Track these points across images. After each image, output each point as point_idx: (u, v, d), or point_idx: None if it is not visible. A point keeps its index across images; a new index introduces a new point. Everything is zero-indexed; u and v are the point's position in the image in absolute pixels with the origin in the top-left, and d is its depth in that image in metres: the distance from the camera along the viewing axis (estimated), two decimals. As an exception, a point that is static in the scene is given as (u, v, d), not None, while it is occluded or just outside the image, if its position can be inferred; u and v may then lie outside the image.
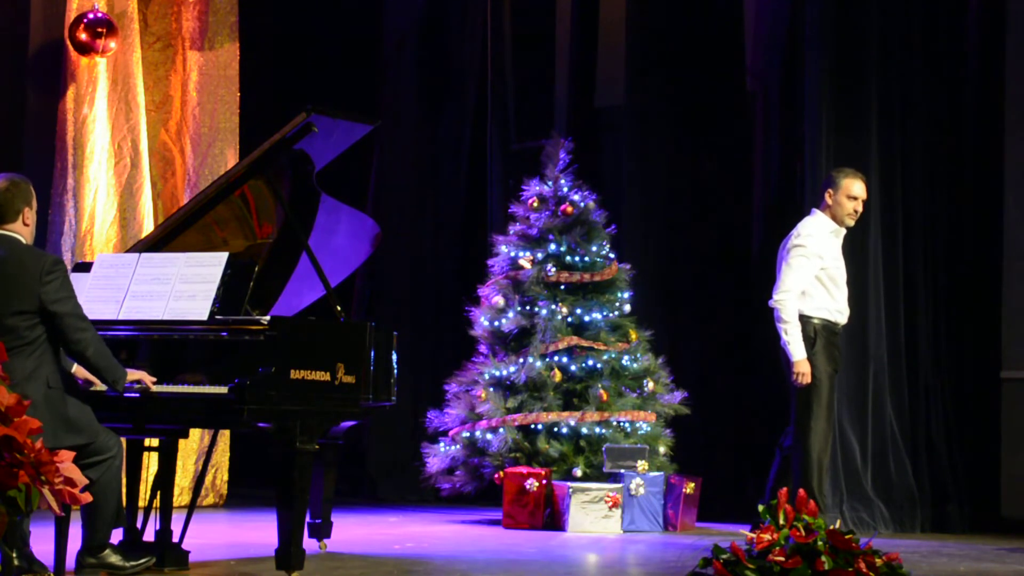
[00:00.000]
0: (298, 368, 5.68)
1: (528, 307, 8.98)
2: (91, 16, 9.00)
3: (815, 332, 7.37)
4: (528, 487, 8.49)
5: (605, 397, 8.74)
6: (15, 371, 5.23)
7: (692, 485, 8.72)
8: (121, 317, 5.90)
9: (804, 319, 7.36)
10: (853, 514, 8.78)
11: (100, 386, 5.63)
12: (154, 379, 5.67)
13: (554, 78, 10.79)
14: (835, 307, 7.48)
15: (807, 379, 7.30)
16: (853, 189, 7.51)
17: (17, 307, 5.33)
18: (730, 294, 10.08)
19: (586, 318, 8.97)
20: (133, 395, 5.64)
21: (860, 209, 7.58)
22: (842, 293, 7.52)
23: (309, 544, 6.13)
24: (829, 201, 7.51)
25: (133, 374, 5.60)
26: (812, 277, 7.39)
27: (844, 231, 7.56)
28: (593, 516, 8.38)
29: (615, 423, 8.77)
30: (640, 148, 10.23)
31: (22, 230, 5.52)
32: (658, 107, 10.24)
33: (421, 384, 10.29)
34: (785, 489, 5.28)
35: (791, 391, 7.43)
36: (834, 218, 7.51)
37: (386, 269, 10.89)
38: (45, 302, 5.36)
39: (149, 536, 6.13)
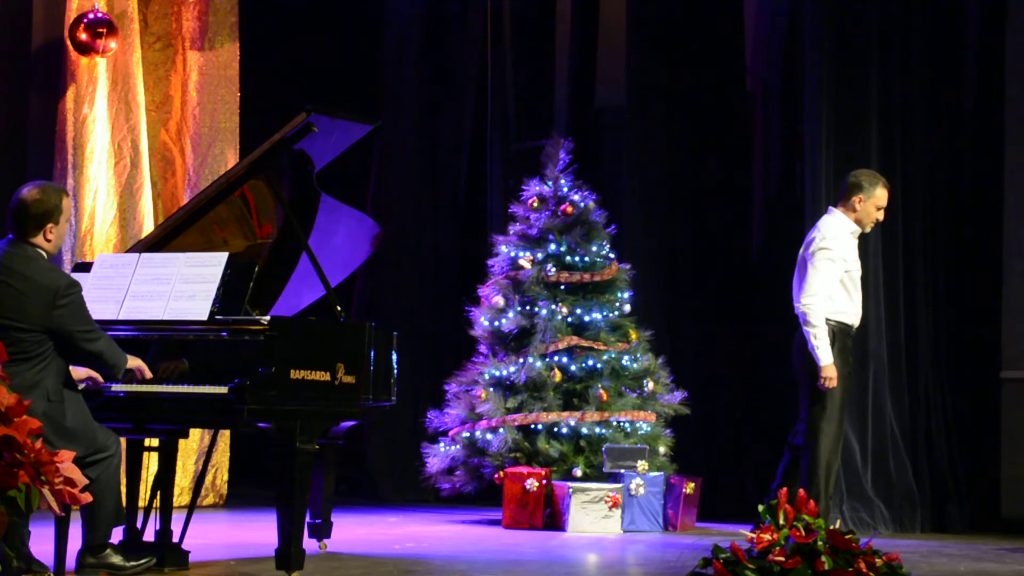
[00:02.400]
0: (298, 368, 5.68)
1: (528, 307, 8.98)
2: (91, 16, 9.00)
3: (832, 335, 7.34)
4: (528, 487, 8.49)
5: (605, 397, 8.74)
6: (15, 380, 5.21)
7: (692, 485, 8.72)
8: (121, 317, 5.91)
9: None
10: (853, 514, 8.78)
11: (99, 385, 5.65)
12: (150, 375, 5.68)
13: (554, 78, 10.79)
14: (853, 310, 7.46)
15: (834, 383, 7.29)
16: (882, 199, 7.45)
17: (23, 324, 5.34)
18: (730, 294, 10.08)
19: (586, 318, 8.97)
20: (121, 391, 5.64)
21: (882, 219, 7.55)
22: (859, 295, 7.50)
23: (309, 544, 6.13)
24: (857, 206, 7.43)
25: (133, 361, 5.62)
26: (837, 280, 7.36)
27: (861, 232, 7.53)
28: (593, 516, 8.38)
29: (615, 423, 8.77)
30: (640, 148, 10.23)
31: (44, 245, 5.49)
32: (658, 107, 10.24)
33: (421, 384, 10.29)
34: (785, 489, 5.28)
35: (802, 391, 7.42)
36: (857, 221, 7.47)
37: (386, 269, 10.89)
38: (57, 325, 5.37)
39: (149, 536, 6.13)
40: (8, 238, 5.52)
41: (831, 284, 7.33)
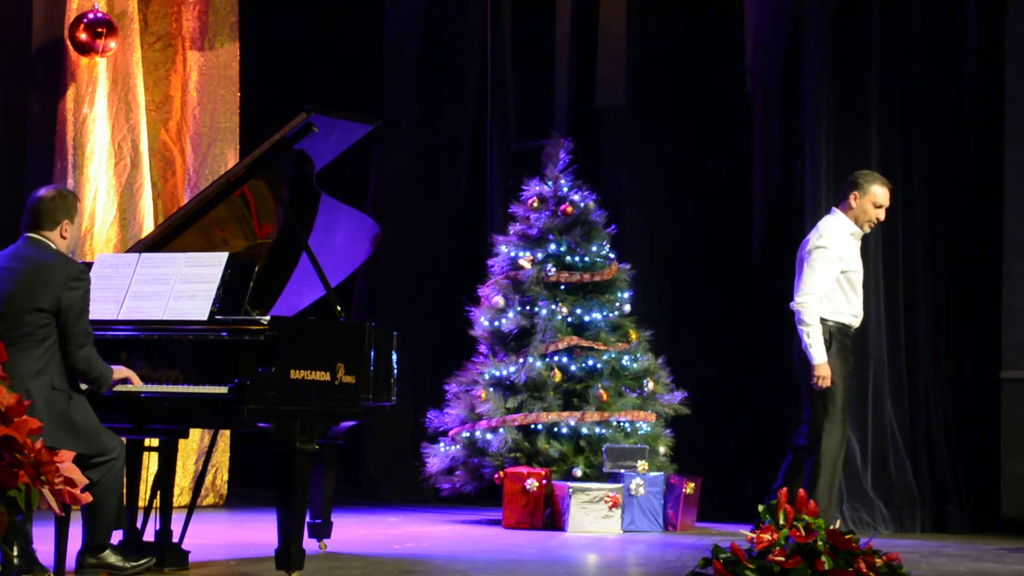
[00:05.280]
0: (298, 368, 5.68)
1: (528, 307, 8.98)
2: (91, 16, 9.00)
3: (830, 335, 7.35)
4: (528, 487, 8.49)
5: (605, 397, 8.74)
6: (22, 367, 5.29)
7: (692, 485, 8.72)
8: (121, 317, 5.91)
9: (820, 321, 7.34)
10: (853, 514, 8.78)
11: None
12: (139, 382, 5.69)
13: (554, 78, 10.78)
14: (851, 311, 7.45)
15: (828, 382, 7.29)
16: (879, 196, 7.45)
17: (38, 304, 5.40)
18: (730, 294, 10.08)
19: (586, 318, 8.97)
20: (120, 390, 5.65)
21: (882, 218, 7.53)
22: (859, 297, 7.49)
23: (309, 544, 6.13)
24: (853, 204, 7.46)
25: (119, 372, 5.62)
26: (833, 279, 7.36)
27: (862, 233, 7.53)
28: (593, 516, 8.38)
29: (615, 423, 8.77)
30: (640, 148, 10.23)
31: (58, 241, 5.59)
32: (658, 107, 10.24)
33: (421, 384, 10.28)
34: (785, 489, 5.29)
35: (804, 392, 7.43)
36: (855, 220, 7.48)
37: (386, 269, 10.88)
38: (64, 307, 5.41)
39: (149, 536, 6.13)
40: (23, 236, 5.59)
41: (826, 283, 7.34)
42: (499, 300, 9.07)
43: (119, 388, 5.67)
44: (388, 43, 11.16)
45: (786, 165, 9.79)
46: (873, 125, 9.15)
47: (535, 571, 6.60)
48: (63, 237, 5.60)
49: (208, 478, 9.51)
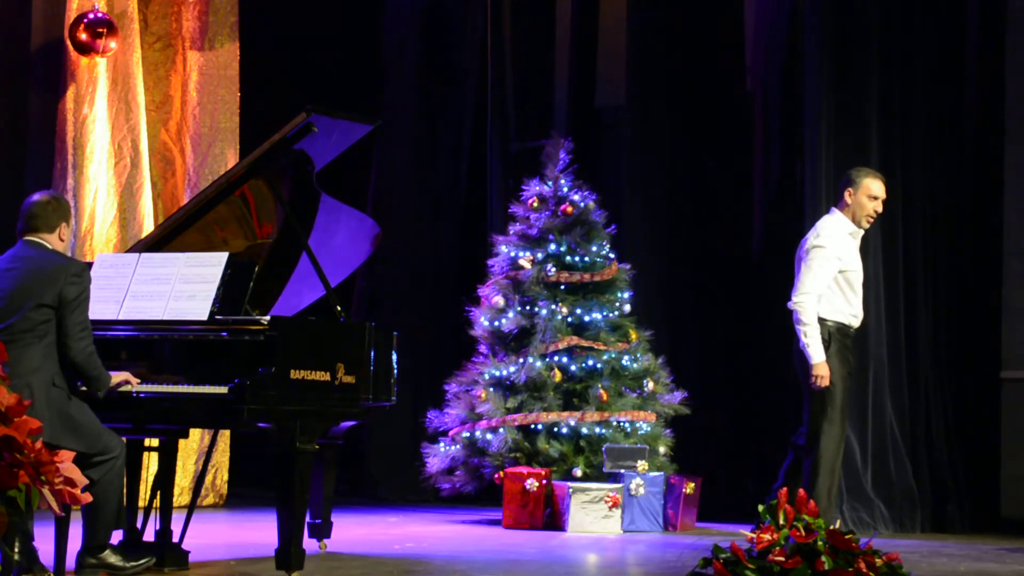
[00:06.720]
0: (298, 368, 5.68)
1: (528, 307, 8.98)
2: (91, 16, 9.00)
3: (829, 335, 7.34)
4: (528, 487, 8.49)
5: (605, 397, 8.73)
6: (23, 364, 5.32)
7: (692, 485, 8.72)
8: (121, 317, 5.91)
9: (819, 321, 7.34)
10: (853, 514, 8.78)
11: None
12: (138, 380, 5.69)
13: (554, 78, 10.79)
14: (850, 311, 7.44)
15: (826, 381, 7.28)
16: (873, 189, 7.44)
17: (41, 300, 5.42)
18: (730, 294, 10.08)
19: (586, 318, 8.97)
20: (119, 393, 5.66)
21: (880, 210, 7.52)
22: (858, 297, 7.48)
23: (309, 544, 6.14)
24: (848, 200, 7.46)
25: (116, 376, 5.62)
26: (831, 279, 7.36)
27: (862, 232, 7.52)
28: (593, 516, 8.38)
29: (615, 423, 8.77)
30: (640, 148, 10.23)
31: (56, 243, 5.64)
32: (658, 107, 10.25)
33: (421, 384, 10.29)
34: (785, 489, 5.28)
35: (804, 392, 7.42)
36: (853, 218, 7.46)
37: (386, 269, 10.88)
38: (64, 299, 5.43)
39: (149, 536, 6.13)
40: (20, 241, 5.63)
41: (823, 282, 7.33)
42: (499, 300, 9.07)
43: (119, 389, 5.67)
44: (388, 43, 11.16)
45: (786, 165, 9.79)
46: (873, 125, 9.15)
47: (535, 571, 6.60)
48: (61, 240, 5.64)
49: (208, 478, 9.51)
